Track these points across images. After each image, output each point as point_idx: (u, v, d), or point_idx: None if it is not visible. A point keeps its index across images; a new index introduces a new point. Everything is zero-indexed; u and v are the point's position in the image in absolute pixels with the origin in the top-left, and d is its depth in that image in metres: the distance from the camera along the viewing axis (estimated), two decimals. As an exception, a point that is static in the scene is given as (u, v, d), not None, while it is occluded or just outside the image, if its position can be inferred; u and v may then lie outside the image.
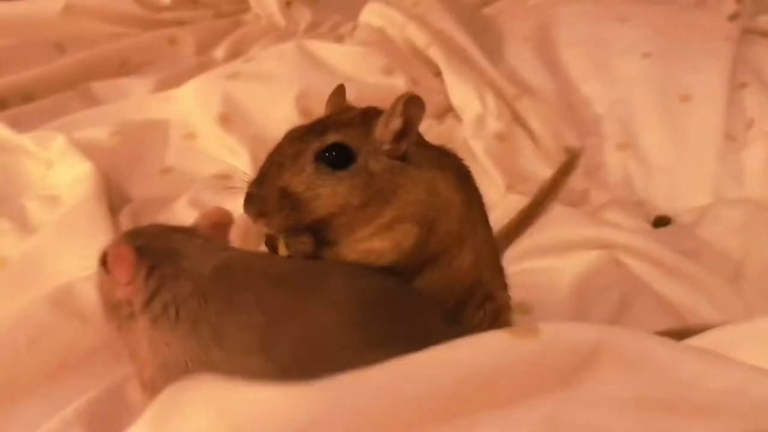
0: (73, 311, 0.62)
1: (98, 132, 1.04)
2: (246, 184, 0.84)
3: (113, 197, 0.92)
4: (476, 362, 0.37)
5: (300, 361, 0.42)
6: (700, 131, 1.06)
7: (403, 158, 0.52)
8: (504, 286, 0.60)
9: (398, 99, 0.51)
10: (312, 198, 0.50)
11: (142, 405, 0.51)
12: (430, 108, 1.16)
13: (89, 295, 0.64)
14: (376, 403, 0.34)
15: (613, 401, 0.40)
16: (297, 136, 0.52)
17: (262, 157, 0.97)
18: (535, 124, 1.07)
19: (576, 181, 1.03)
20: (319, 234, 0.52)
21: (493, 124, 1.05)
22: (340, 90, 0.58)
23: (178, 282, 0.47)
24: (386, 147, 0.51)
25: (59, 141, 0.95)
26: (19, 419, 0.56)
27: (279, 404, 0.32)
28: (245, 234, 0.74)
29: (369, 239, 0.51)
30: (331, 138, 0.50)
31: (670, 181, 1.02)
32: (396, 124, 0.51)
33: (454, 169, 0.56)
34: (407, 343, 0.43)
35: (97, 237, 0.78)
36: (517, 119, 1.09)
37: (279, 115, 1.04)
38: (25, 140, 0.97)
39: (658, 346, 0.42)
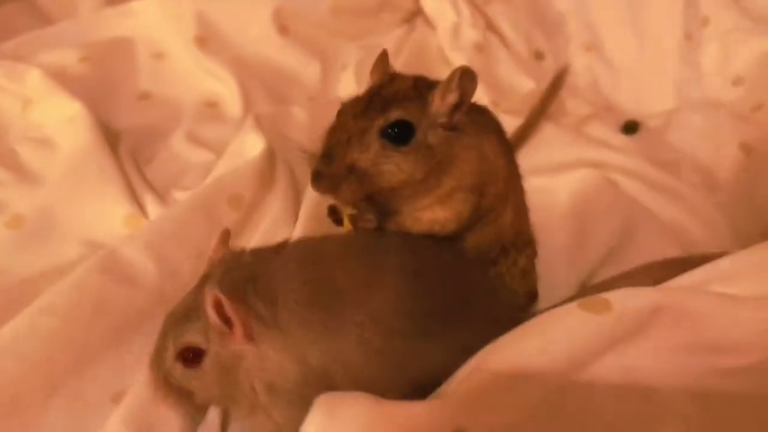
0: (122, 277, 0.64)
1: (65, 57, 1.00)
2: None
3: (100, 131, 0.90)
4: (571, 342, 0.43)
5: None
6: (660, 31, 1.10)
7: (454, 127, 0.55)
8: (529, 223, 0.65)
9: (454, 73, 0.53)
10: (378, 173, 0.52)
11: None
12: (399, 15, 1.17)
13: (132, 257, 0.66)
14: (503, 393, 0.39)
15: (672, 349, 0.48)
16: (359, 112, 0.53)
17: (247, 80, 0.98)
18: (507, 30, 1.09)
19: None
20: (382, 204, 0.55)
21: (470, 34, 1.06)
22: (384, 57, 0.59)
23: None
24: (442, 120, 0.54)
25: (34, 75, 0.92)
26: (94, 386, 0.59)
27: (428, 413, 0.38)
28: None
29: (430, 208, 0.55)
30: (394, 114, 0.52)
31: (634, 84, 1.07)
32: (452, 98, 0.53)
33: (492, 128, 0.60)
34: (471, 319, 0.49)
35: (108, 186, 0.78)
36: (489, 26, 1.10)
37: (255, 34, 1.03)
38: (-6, 74, 0.93)
39: (703, 300, 0.49)
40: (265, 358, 0.48)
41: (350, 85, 1.03)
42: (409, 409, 0.38)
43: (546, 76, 1.09)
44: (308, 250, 0.54)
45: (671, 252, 0.72)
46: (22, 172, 0.82)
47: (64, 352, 0.58)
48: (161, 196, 0.80)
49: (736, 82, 1.02)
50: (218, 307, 0.47)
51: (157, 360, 0.51)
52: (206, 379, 0.50)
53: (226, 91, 0.97)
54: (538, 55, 1.11)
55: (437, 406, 0.38)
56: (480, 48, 1.05)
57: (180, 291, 0.66)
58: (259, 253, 0.54)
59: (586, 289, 0.69)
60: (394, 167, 0.52)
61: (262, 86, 0.99)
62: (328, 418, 0.38)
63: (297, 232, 0.72)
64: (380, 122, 0.52)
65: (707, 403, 0.49)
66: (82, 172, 0.79)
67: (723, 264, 0.59)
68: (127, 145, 0.90)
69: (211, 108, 0.96)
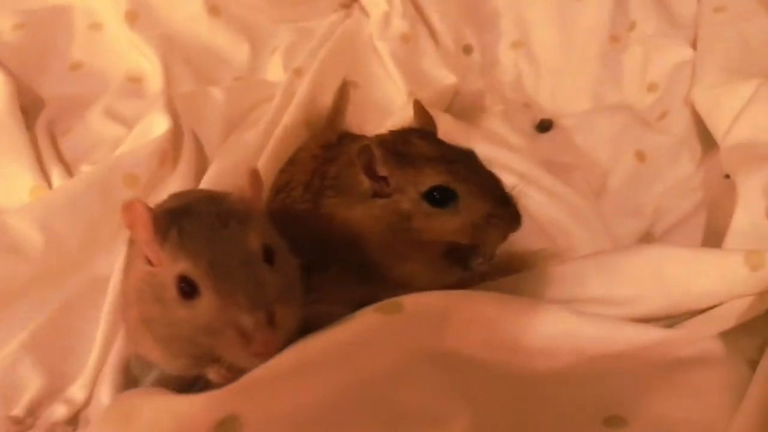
0: (7, 246, 0.68)
1: (-2, 23, 1.03)
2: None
3: (25, 100, 0.93)
4: (359, 338, 0.48)
5: None
6: (588, 32, 1.12)
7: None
8: None
9: None
10: None
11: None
12: (338, 0, 1.18)
13: (21, 227, 0.70)
14: (283, 384, 0.44)
15: (466, 345, 0.52)
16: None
17: (173, 58, 1.01)
18: (437, 23, 1.12)
19: (472, 81, 1.10)
20: None
21: (399, 24, 1.08)
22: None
23: None
24: None
25: (-40, 43, 0.95)
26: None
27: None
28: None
29: None
30: None
31: (555, 82, 1.10)
32: None
33: None
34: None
35: (17, 158, 0.82)
36: (421, 16, 1.13)
37: (186, 13, 1.05)
38: None
39: (496, 304, 0.54)
40: None
41: (278, 68, 1.06)
42: (186, 400, 0.42)
43: (472, 70, 1.12)
44: None
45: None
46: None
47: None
48: (70, 170, 0.83)
49: (651, 88, 1.05)
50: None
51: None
52: None
53: (151, 68, 0.99)
54: (467, 50, 1.14)
55: (213, 395, 0.42)
56: (406, 38, 1.07)
57: (66, 263, 0.71)
58: None
59: None
60: None
61: (188, 65, 1.02)
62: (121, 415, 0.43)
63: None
64: None
65: (519, 398, 0.54)
66: (-6, 146, 0.82)
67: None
68: (49, 115, 0.93)
69: (134, 83, 0.99)
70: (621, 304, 0.63)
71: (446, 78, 1.06)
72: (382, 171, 0.58)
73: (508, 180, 0.84)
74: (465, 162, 0.60)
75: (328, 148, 0.68)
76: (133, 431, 0.41)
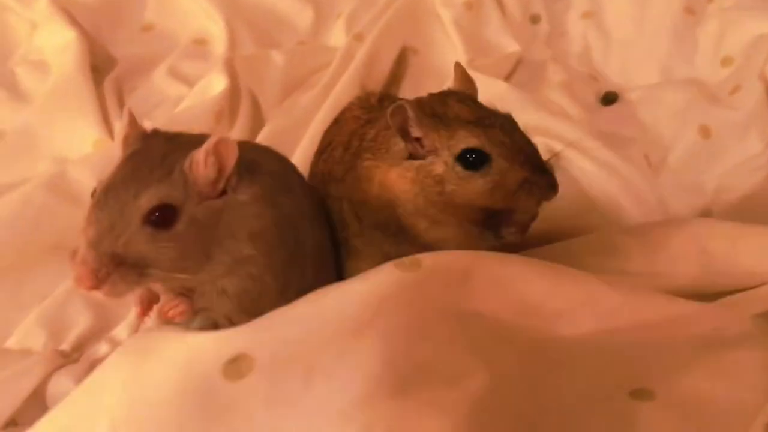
0: (67, 194, 0.72)
1: (79, -18, 1.07)
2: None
3: (97, 59, 0.98)
4: (376, 291, 0.48)
5: None
6: (662, 3, 1.08)
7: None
8: None
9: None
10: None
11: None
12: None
13: (81, 178, 0.74)
14: (292, 324, 0.45)
15: (486, 306, 0.52)
16: None
17: (239, 21, 1.03)
18: (504, -11, 1.10)
19: (537, 50, 1.08)
20: None
21: (464, -9, 1.08)
22: None
23: None
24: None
25: (42, 1, 0.99)
26: (28, 289, 0.68)
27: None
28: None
29: None
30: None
31: (625, 55, 1.06)
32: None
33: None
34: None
35: (83, 112, 0.86)
36: (489, -15, 1.11)
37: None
38: (6, -3, 1.01)
39: (518, 266, 0.53)
40: (245, 205, 0.50)
41: (340, 33, 1.06)
42: (203, 336, 0.44)
43: (538, 40, 1.10)
44: None
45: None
46: (15, 92, 0.91)
47: (2, 257, 0.67)
48: (132, 125, 0.87)
49: (725, 62, 1.00)
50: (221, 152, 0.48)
51: (111, 231, 0.46)
52: (179, 242, 0.47)
53: (217, 31, 1.02)
54: (534, 19, 1.11)
55: (229, 332, 0.44)
56: (470, 5, 1.06)
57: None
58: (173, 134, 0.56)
59: None
60: None
61: (253, 29, 1.04)
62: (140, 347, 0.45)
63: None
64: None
65: (538, 361, 0.53)
66: (63, 96, 0.87)
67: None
68: (118, 73, 0.97)
69: (199, 45, 1.02)
70: (660, 277, 0.61)
71: (509, 46, 1.04)
72: (416, 132, 0.57)
73: (558, 149, 0.84)
74: (502, 126, 0.58)
75: (369, 110, 0.68)
76: (149, 362, 0.43)
